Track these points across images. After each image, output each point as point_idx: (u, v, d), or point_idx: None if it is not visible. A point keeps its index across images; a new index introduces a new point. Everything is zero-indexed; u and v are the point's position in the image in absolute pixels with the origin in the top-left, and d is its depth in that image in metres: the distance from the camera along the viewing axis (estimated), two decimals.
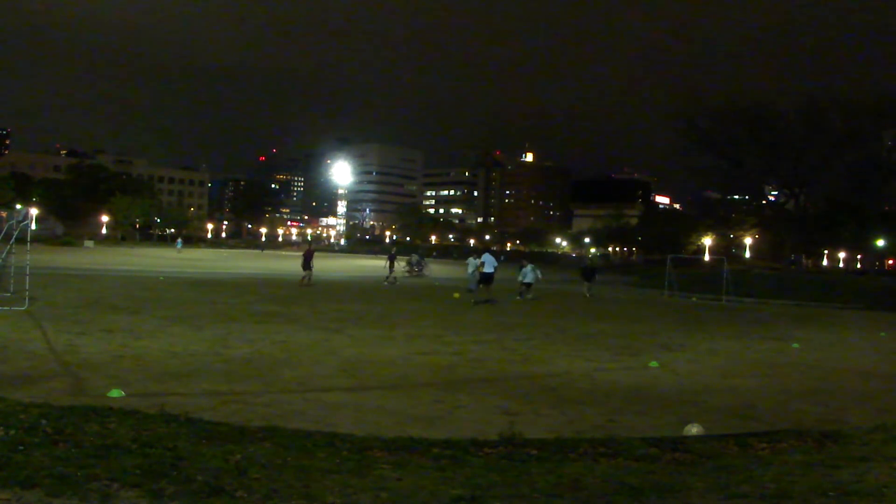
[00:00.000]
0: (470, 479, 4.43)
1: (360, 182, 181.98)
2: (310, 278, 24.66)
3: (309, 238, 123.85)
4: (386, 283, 28.59)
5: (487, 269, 20.56)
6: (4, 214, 74.32)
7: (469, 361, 10.40)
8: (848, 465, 4.97)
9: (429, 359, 10.47)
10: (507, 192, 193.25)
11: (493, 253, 27.02)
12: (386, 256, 31.44)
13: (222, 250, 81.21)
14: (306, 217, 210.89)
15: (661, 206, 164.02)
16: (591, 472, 4.70)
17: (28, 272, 14.41)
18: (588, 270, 28.79)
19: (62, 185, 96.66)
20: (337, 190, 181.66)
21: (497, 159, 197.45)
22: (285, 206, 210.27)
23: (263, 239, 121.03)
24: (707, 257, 72.18)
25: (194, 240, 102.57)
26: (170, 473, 4.09)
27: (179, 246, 62.42)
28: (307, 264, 24.74)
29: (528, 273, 24.01)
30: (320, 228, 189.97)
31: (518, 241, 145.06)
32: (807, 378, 10.16)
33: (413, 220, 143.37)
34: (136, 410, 5.88)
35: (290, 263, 47.36)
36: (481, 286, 20.77)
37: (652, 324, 17.57)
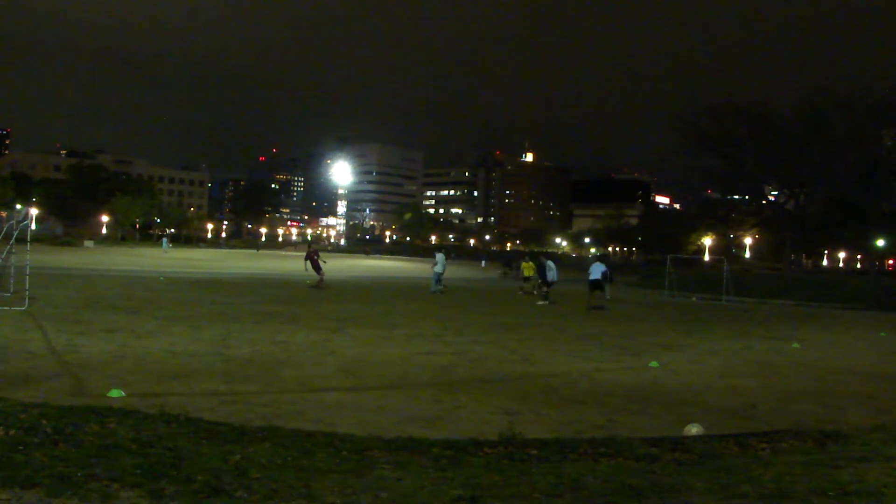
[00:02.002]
0: (470, 479, 4.43)
1: (360, 182, 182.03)
2: (320, 281, 23.60)
3: (308, 238, 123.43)
4: (440, 286, 28.12)
5: (594, 275, 21.25)
6: (4, 214, 74.46)
7: (469, 361, 10.40)
8: (848, 465, 4.97)
9: (429, 359, 10.46)
10: (507, 192, 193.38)
11: (601, 260, 26.93)
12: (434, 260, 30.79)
13: (221, 250, 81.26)
14: (306, 217, 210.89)
15: (661, 206, 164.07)
16: (591, 472, 4.69)
17: (28, 272, 14.40)
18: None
19: (62, 185, 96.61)
20: (337, 190, 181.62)
21: (497, 159, 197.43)
22: (285, 206, 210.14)
23: (263, 239, 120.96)
24: (707, 257, 72.24)
25: (194, 240, 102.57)
26: (170, 473, 4.09)
27: (165, 246, 61.37)
28: (317, 266, 23.66)
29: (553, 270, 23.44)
30: (320, 228, 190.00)
31: (518, 241, 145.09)
32: (807, 378, 10.16)
33: (413, 220, 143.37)
34: (136, 410, 5.88)
35: (288, 263, 47.37)
36: (595, 292, 21.55)
37: (652, 324, 17.57)
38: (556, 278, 23.20)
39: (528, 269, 27.51)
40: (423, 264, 63.51)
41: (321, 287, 23.36)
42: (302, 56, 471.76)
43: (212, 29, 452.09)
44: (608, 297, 25.62)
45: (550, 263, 23.41)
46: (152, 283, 22.99)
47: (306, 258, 24.53)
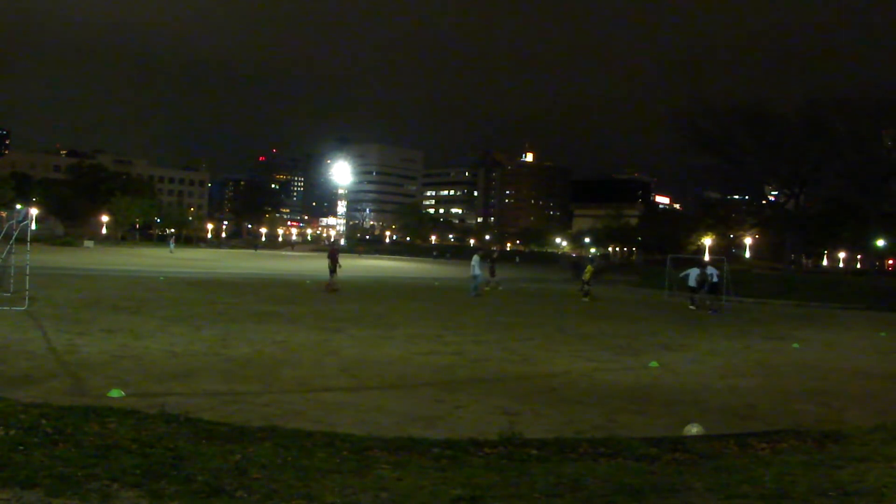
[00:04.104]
0: (470, 479, 4.43)
1: (360, 182, 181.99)
2: (330, 284, 23.17)
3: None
4: (489, 287, 27.96)
5: (714, 279, 23.11)
6: (4, 214, 74.39)
7: (469, 361, 10.40)
8: (848, 465, 4.97)
9: (429, 359, 10.47)
10: (507, 192, 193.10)
11: (713, 265, 25.83)
12: (488, 262, 30.12)
13: (221, 250, 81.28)
14: (306, 217, 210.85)
15: (661, 206, 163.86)
16: (591, 472, 4.70)
17: (28, 272, 14.40)
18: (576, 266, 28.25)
19: (62, 185, 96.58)
20: (337, 190, 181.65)
21: (497, 159, 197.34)
22: (285, 206, 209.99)
23: (263, 239, 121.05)
24: (707, 257, 72.15)
25: (194, 240, 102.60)
26: (170, 473, 4.10)
27: (172, 246, 61.58)
28: (334, 267, 23.37)
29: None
30: (320, 228, 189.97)
31: (518, 241, 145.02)
32: (807, 378, 10.16)
33: (413, 220, 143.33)
34: (136, 410, 5.88)
35: (287, 263, 47.39)
36: (709, 293, 23.11)
37: (652, 324, 17.57)
38: (715, 279, 23.18)
39: (588, 272, 27.42)
40: (423, 264, 63.53)
41: (330, 289, 22.77)
42: (302, 56, 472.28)
43: (212, 29, 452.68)
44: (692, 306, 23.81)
45: (711, 269, 23.55)
46: (152, 283, 22.98)
47: (329, 256, 24.32)
